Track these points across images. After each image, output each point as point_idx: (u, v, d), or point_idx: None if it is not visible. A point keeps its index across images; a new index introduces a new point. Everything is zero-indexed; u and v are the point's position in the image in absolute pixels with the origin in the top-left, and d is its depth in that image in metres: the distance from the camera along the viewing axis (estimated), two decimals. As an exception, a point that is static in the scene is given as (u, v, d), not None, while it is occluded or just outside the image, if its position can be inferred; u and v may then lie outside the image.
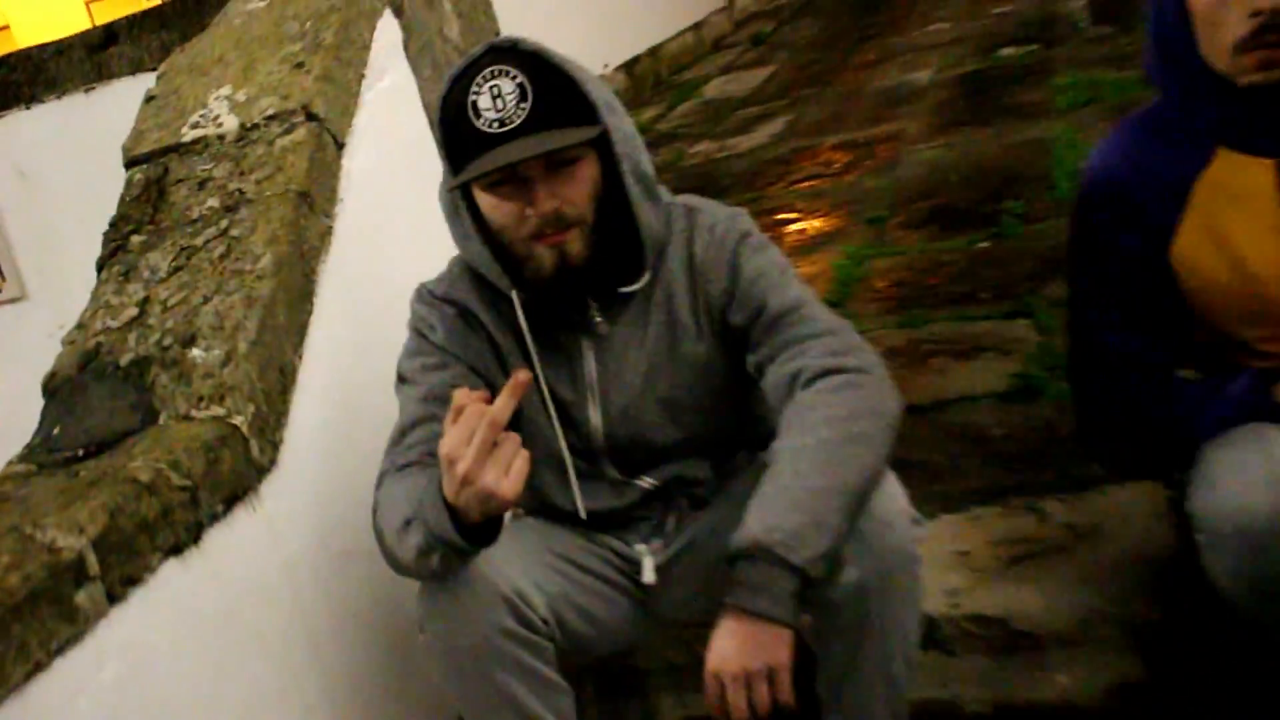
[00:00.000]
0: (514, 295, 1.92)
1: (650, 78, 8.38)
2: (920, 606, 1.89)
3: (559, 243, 1.84)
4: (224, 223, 2.23)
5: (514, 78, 1.78)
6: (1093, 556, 2.35)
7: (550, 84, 1.81)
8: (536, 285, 1.89)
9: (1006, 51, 6.61)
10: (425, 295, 2.03)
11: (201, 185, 2.32)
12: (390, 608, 2.18)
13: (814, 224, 4.67)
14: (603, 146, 1.87)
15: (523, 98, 1.77)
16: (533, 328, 1.95)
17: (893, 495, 1.82)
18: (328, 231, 2.30)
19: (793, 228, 4.68)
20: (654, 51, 8.65)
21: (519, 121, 1.77)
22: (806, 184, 5.21)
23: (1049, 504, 2.53)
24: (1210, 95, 1.86)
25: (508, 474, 1.58)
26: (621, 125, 1.89)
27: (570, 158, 1.83)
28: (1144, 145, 1.95)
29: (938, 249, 4.08)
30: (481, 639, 1.80)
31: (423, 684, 2.03)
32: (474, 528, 1.66)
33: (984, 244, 4.01)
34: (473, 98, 1.79)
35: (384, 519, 1.81)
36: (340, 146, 2.40)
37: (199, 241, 2.22)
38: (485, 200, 1.86)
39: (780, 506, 1.71)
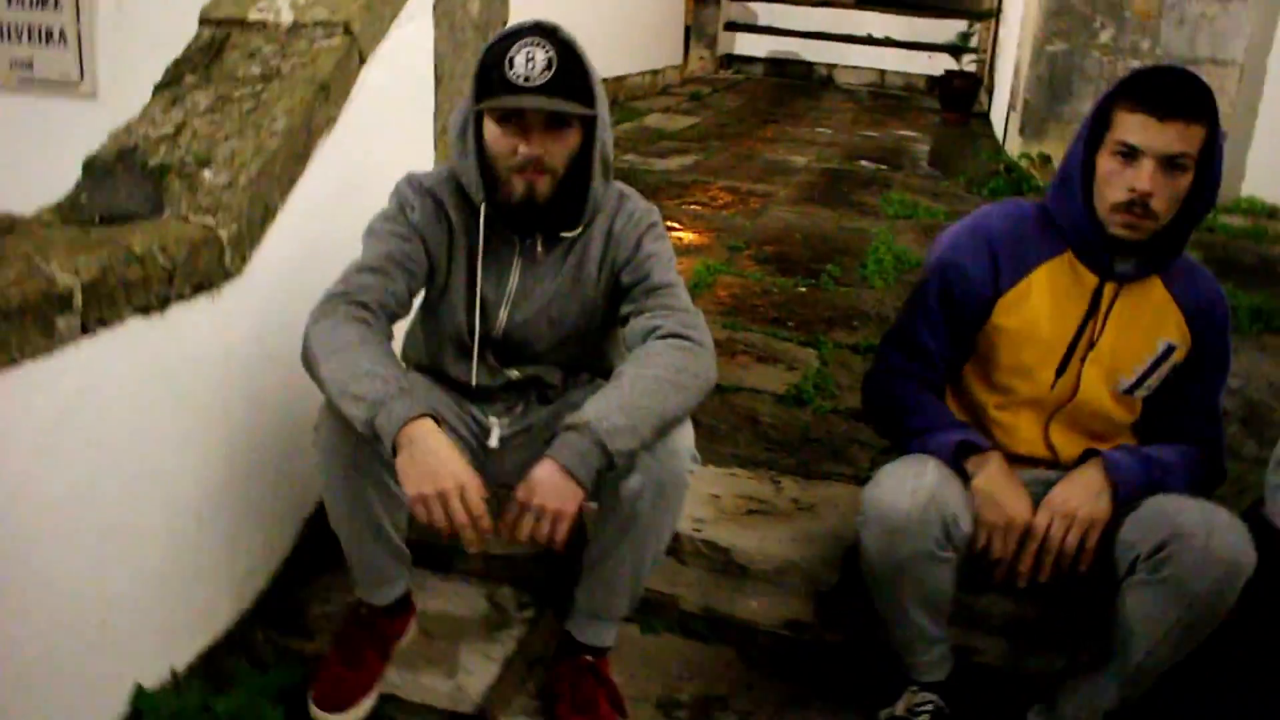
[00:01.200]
0: (483, 207, 1.89)
1: (610, 96, 8.26)
2: (676, 522, 1.90)
3: (533, 180, 1.82)
4: (259, 88, 2.13)
5: (547, 51, 1.76)
6: (804, 526, 2.37)
7: (570, 67, 1.79)
8: (504, 206, 1.87)
9: (863, 163, 6.64)
10: (414, 181, 1.96)
11: (251, 55, 2.21)
12: (296, 406, 2.10)
13: (689, 236, 4.65)
14: (588, 127, 1.85)
15: (549, 67, 1.76)
16: (486, 237, 1.91)
17: (685, 435, 1.83)
18: (333, 119, 2.21)
19: (673, 234, 4.62)
20: (619, 79, 8.56)
21: (541, 83, 1.75)
22: (693, 207, 5.17)
23: (786, 481, 2.55)
24: (1083, 219, 1.87)
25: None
26: (605, 117, 1.87)
27: (566, 123, 1.81)
28: (1003, 236, 1.95)
29: (770, 282, 4.07)
30: (354, 450, 1.76)
31: (303, 471, 1.97)
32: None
33: (803, 289, 4.01)
34: (512, 54, 1.76)
35: (326, 350, 1.73)
36: (363, 62, 2.31)
37: (235, 94, 2.11)
38: (492, 129, 1.82)
39: (612, 406, 1.70)
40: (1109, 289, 1.90)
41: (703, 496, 2.41)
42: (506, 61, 1.77)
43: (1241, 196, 5.82)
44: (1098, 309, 1.91)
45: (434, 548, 2.24)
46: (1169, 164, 1.76)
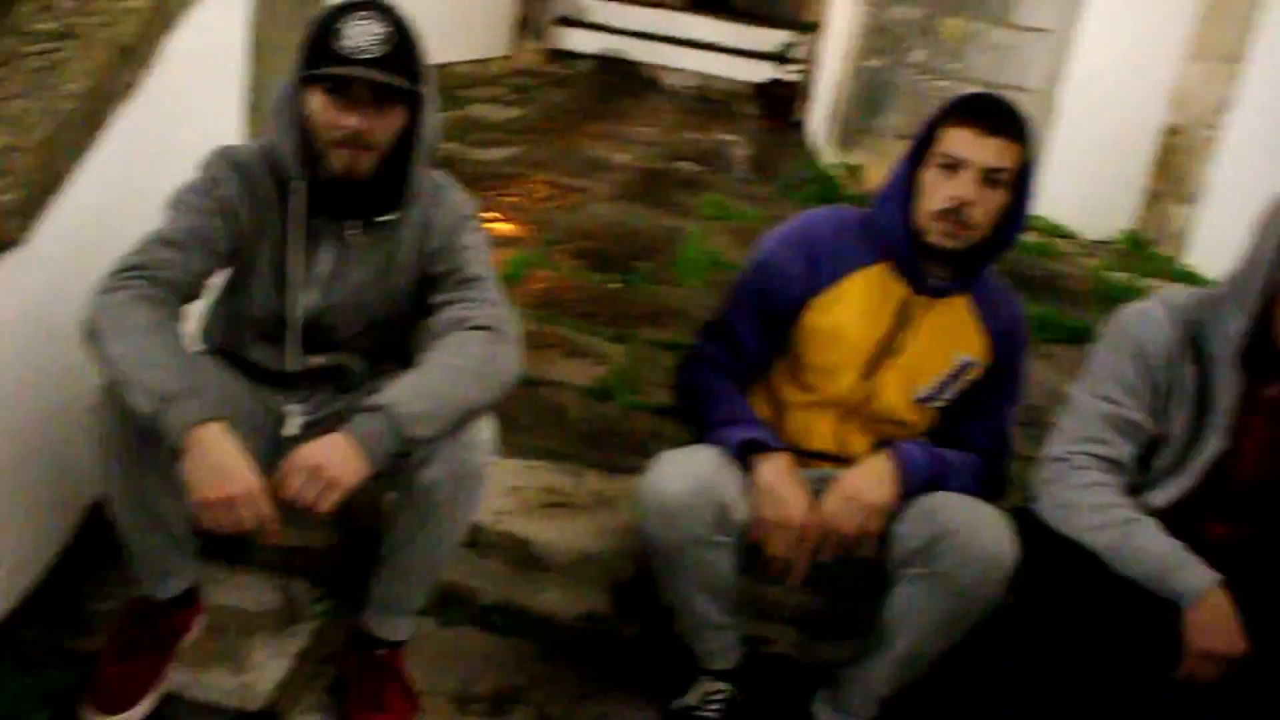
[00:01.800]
0: (299, 184, 1.84)
1: (437, 83, 8.15)
2: (473, 514, 1.90)
3: (354, 156, 1.79)
4: (53, 46, 2.03)
5: (384, 25, 1.74)
6: (604, 519, 2.40)
7: (403, 44, 1.76)
8: (320, 185, 1.83)
9: (682, 164, 6.73)
10: (226, 155, 1.88)
11: (46, 9, 2.10)
12: (77, 386, 2.00)
13: (505, 228, 4.62)
14: (414, 109, 1.82)
15: (383, 42, 1.73)
16: (299, 216, 1.86)
17: (485, 428, 1.83)
18: (134, 85, 2.11)
19: (491, 226, 4.58)
20: (446, 67, 8.44)
21: (372, 57, 1.72)
22: (512, 198, 5.15)
23: (589, 474, 2.57)
24: (902, 230, 1.95)
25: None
26: (434, 100, 1.85)
27: (394, 100, 1.78)
28: (823, 240, 2.02)
29: (584, 277, 4.09)
30: (134, 435, 1.68)
31: (84, 457, 1.87)
32: None
33: (615, 285, 4.04)
34: (345, 25, 1.73)
35: (114, 329, 1.65)
36: (169, 27, 2.22)
37: (26, 51, 2.00)
38: (316, 100, 1.77)
39: (413, 392, 1.70)
40: (918, 301, 2.00)
41: (504, 488, 2.42)
42: (336, 32, 1.73)
43: (1033, 215, 6.16)
44: (905, 319, 2.00)
45: (224, 538, 2.16)
46: (988, 177, 1.86)
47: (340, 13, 1.76)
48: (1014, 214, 1.92)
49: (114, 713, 1.85)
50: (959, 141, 1.86)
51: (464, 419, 1.75)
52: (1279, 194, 1.82)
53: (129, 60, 2.08)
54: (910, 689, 2.00)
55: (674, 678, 2.09)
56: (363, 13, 1.75)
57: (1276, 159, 4.89)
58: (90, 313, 1.67)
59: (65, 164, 1.95)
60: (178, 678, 1.97)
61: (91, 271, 1.75)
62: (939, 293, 2.00)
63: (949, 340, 2.03)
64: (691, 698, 2.05)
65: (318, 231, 1.90)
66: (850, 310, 2.00)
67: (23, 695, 1.85)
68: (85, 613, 2.09)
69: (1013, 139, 1.86)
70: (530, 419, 2.81)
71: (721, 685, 2.04)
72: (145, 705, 1.89)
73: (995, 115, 1.87)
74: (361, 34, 1.73)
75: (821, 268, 2.00)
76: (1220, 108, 5.72)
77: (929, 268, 1.97)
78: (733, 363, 2.05)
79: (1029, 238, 5.81)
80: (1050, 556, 1.89)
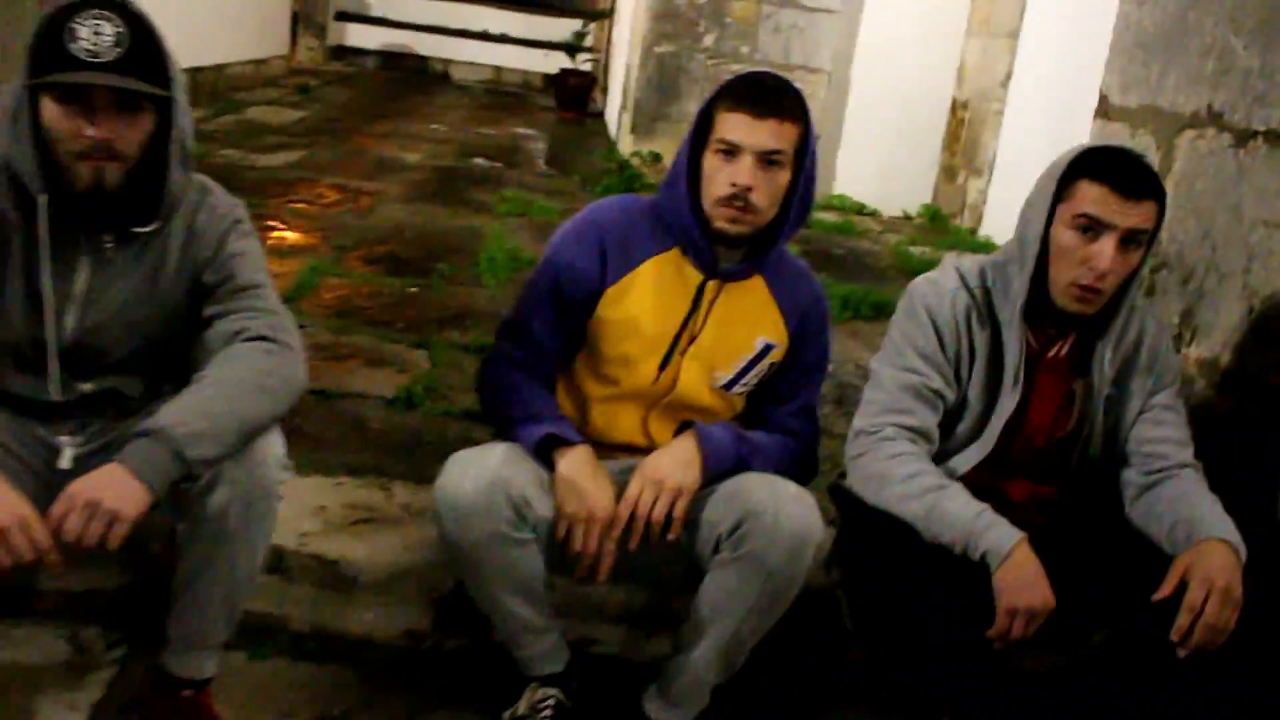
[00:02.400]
0: (42, 199, 1.75)
1: (209, 86, 7.88)
2: (271, 536, 1.86)
3: (100, 167, 1.72)
4: None
5: (116, 25, 1.66)
6: (417, 532, 2.38)
7: (143, 44, 1.69)
8: (68, 197, 1.74)
9: (478, 161, 6.72)
10: None
11: None
12: None
13: (293, 236, 4.53)
14: (164, 113, 1.76)
15: (118, 43, 1.66)
16: (47, 233, 1.77)
17: (274, 443, 1.80)
18: None
19: (276, 234, 4.51)
20: (220, 68, 8.18)
21: (109, 59, 1.65)
22: (299, 205, 5.05)
23: (397, 487, 2.55)
24: (689, 216, 1.99)
25: None
26: (183, 102, 1.78)
27: (138, 105, 1.71)
28: (613, 230, 2.05)
29: (379, 283, 4.06)
30: None
31: None
32: None
33: (414, 289, 4.02)
34: (74, 26, 1.65)
35: None
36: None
37: None
38: (52, 110, 1.69)
39: (191, 411, 1.66)
40: (712, 286, 2.05)
41: (308, 508, 2.37)
42: (68, 33, 1.65)
43: (833, 194, 6.42)
44: (700, 305, 2.05)
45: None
46: (766, 160, 1.92)
47: (69, 12, 1.67)
48: (800, 191, 2.00)
49: None
50: (734, 127, 1.92)
51: (247, 435, 1.71)
52: (1053, 161, 1.96)
53: None
54: (743, 673, 2.05)
55: (503, 688, 2.09)
56: (94, 11, 1.67)
57: (1055, 128, 5.22)
58: None
59: None
60: (-45, 749, 1.86)
61: None
62: (732, 276, 2.05)
63: (747, 324, 2.09)
64: (521, 706, 2.04)
65: (70, 249, 1.82)
66: (644, 299, 2.04)
67: None
68: None
69: (787, 118, 1.93)
70: (331, 434, 2.77)
71: (551, 690, 2.04)
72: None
73: (767, 97, 1.93)
74: (95, 35, 1.66)
75: (612, 258, 2.04)
76: (1003, 81, 6.07)
77: (720, 252, 2.03)
78: (532, 360, 2.06)
79: (830, 217, 6.05)
80: (867, 529, 1.97)
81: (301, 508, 2.34)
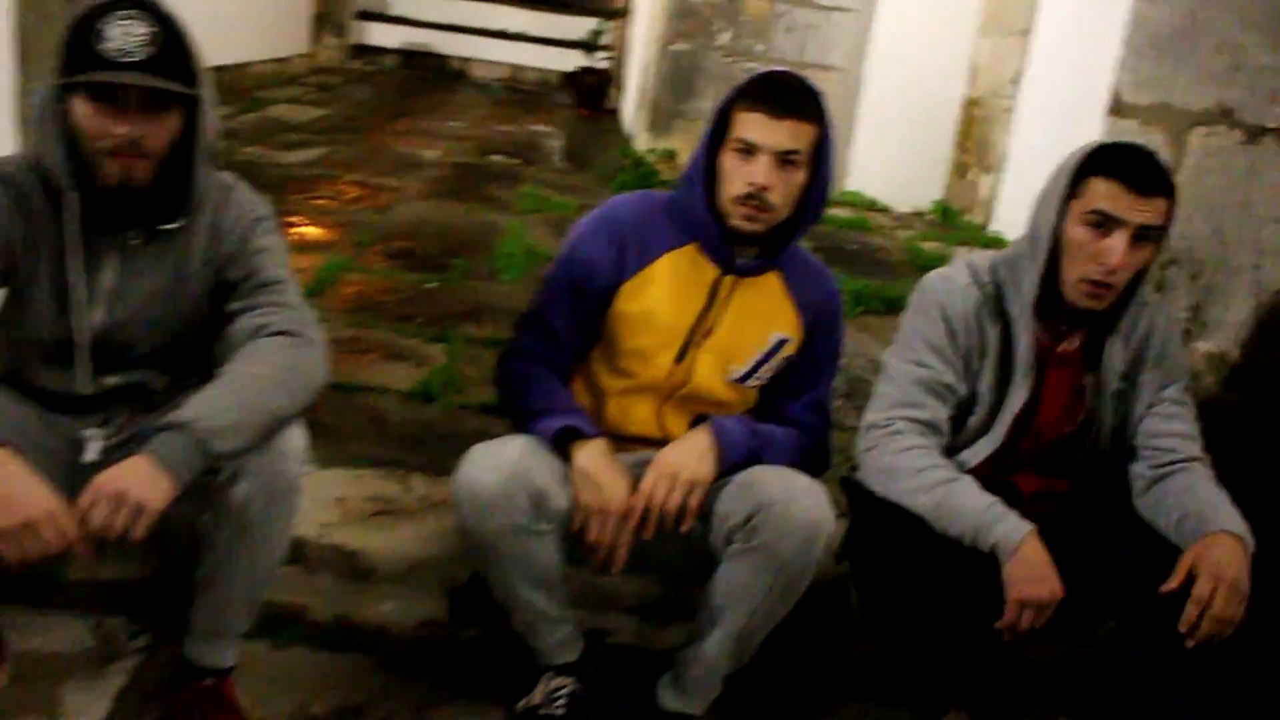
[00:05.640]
0: (71, 197, 1.76)
1: (231, 85, 7.90)
2: (291, 527, 1.86)
3: (129, 165, 1.72)
4: None
5: (147, 24, 1.67)
6: (434, 524, 2.38)
7: (172, 43, 1.70)
8: (97, 195, 1.75)
9: (496, 157, 6.72)
10: None
11: None
12: None
13: (314, 232, 4.54)
14: (190, 111, 1.76)
15: (149, 43, 1.66)
16: (77, 230, 1.78)
17: (296, 436, 1.80)
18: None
19: (296, 230, 4.51)
20: (242, 66, 8.21)
21: (139, 59, 1.65)
22: (320, 201, 5.06)
23: (415, 479, 2.55)
24: (706, 213, 1.99)
25: None
26: (210, 100, 1.78)
27: (167, 104, 1.72)
28: (630, 225, 2.04)
29: (398, 278, 4.06)
30: None
31: None
32: None
33: (432, 285, 4.02)
34: (106, 25, 1.65)
35: None
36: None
37: None
38: (82, 108, 1.69)
39: (215, 405, 1.66)
40: (728, 281, 2.04)
41: (328, 500, 2.37)
42: (98, 33, 1.66)
43: (846, 190, 6.40)
44: (715, 299, 2.04)
45: (26, 579, 2.06)
46: (783, 159, 1.91)
47: (100, 12, 1.68)
48: (816, 189, 1.99)
49: None
50: (751, 126, 1.91)
51: (271, 429, 1.72)
52: (1065, 157, 1.94)
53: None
54: (755, 663, 2.05)
55: (518, 678, 2.09)
56: (125, 11, 1.68)
57: (1065, 126, 5.18)
58: None
59: None
60: (-17, 734, 1.87)
61: None
62: (748, 271, 2.05)
63: (762, 319, 2.08)
64: (536, 696, 2.05)
65: (98, 245, 1.82)
66: (661, 293, 2.03)
67: None
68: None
69: (805, 118, 1.92)
70: (351, 427, 2.77)
71: (566, 680, 2.04)
72: (-53, 770, 1.79)
73: (785, 96, 1.92)
74: (125, 35, 1.66)
75: (629, 253, 2.03)
76: (1014, 79, 6.04)
77: (736, 248, 2.02)
78: (550, 353, 2.06)
79: (843, 213, 6.02)
80: (878, 522, 1.97)
81: (321, 499, 2.35)
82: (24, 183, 1.79)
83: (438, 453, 2.68)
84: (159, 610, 2.17)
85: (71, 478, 1.83)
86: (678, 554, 1.98)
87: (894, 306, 4.05)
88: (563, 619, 2.02)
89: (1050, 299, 1.95)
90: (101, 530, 1.57)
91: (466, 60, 11.38)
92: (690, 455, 1.92)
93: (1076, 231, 1.89)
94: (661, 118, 6.53)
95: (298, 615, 2.22)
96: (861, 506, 2.04)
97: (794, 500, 1.85)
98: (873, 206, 6.39)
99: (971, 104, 6.45)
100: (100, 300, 1.84)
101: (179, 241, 1.87)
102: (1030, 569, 1.81)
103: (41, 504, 1.53)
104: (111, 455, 1.87)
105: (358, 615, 2.24)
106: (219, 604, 1.88)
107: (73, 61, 1.68)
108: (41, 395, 1.89)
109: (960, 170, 6.54)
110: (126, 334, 1.88)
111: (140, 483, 1.58)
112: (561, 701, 2.03)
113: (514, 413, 2.04)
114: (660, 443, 2.02)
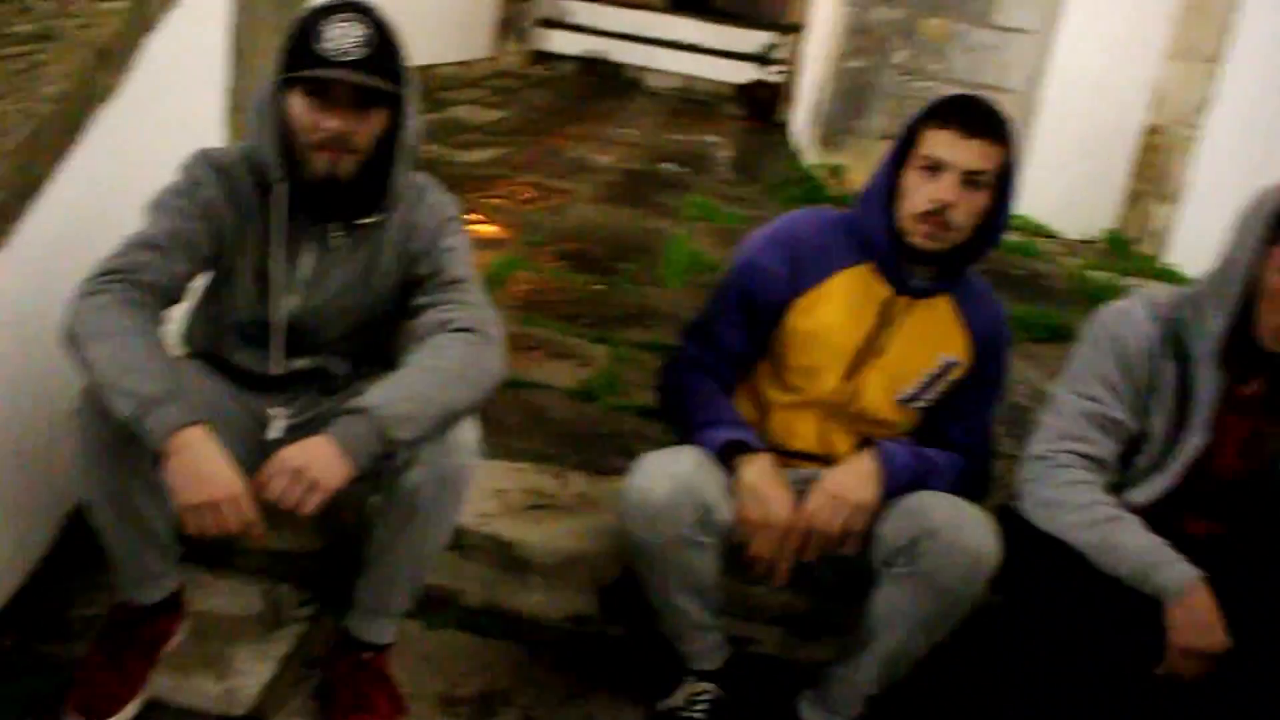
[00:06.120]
0: (280, 187, 1.83)
1: (419, 85, 8.16)
2: (457, 516, 1.90)
3: (336, 159, 1.78)
4: (32, 48, 2.01)
5: (365, 27, 1.74)
6: (588, 520, 2.39)
7: (384, 46, 1.77)
8: (303, 187, 1.82)
9: (666, 165, 6.74)
10: (208, 157, 1.87)
11: (24, 11, 2.09)
12: (59, 394, 1.98)
13: (488, 229, 4.62)
14: (396, 111, 1.82)
15: (364, 44, 1.73)
16: (281, 220, 1.86)
17: (470, 430, 1.84)
18: (113, 88, 2.10)
19: (472, 227, 4.58)
20: (428, 69, 8.46)
21: (354, 59, 1.72)
22: (495, 200, 5.15)
23: (572, 476, 2.57)
24: (884, 232, 1.96)
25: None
26: (415, 102, 1.85)
27: (375, 102, 1.78)
28: (806, 241, 2.03)
29: (567, 279, 4.10)
30: (114, 437, 1.66)
31: (66, 464, 1.85)
32: None
33: (599, 287, 4.05)
34: (326, 26, 1.73)
35: (96, 332, 1.63)
36: (150, 29, 2.21)
37: (4, 53, 1.99)
38: (298, 103, 1.77)
39: (397, 394, 1.70)
40: (901, 302, 2.01)
41: (488, 490, 2.41)
42: (320, 34, 1.73)
43: (1016, 215, 6.20)
44: (887, 320, 2.01)
45: (207, 543, 2.15)
46: (969, 179, 1.87)
47: (321, 14, 1.75)
48: (996, 214, 1.94)
49: (96, 719, 1.84)
50: (940, 144, 1.88)
51: (447, 421, 1.75)
52: (1257, 192, 1.84)
53: (108, 62, 2.07)
54: (897, 687, 2.01)
55: (660, 679, 2.09)
56: (343, 14, 1.75)
57: (1254, 158, 4.93)
58: (70, 316, 1.66)
59: (44, 167, 1.94)
60: (161, 684, 1.95)
61: (72, 275, 1.74)
62: (921, 293, 2.01)
63: (932, 341, 2.04)
64: (678, 698, 2.05)
65: (300, 234, 1.89)
66: (833, 311, 2.01)
67: (3, 703, 1.83)
68: (67, 620, 2.08)
69: (994, 141, 1.88)
70: (514, 421, 2.81)
71: (707, 686, 2.04)
72: (128, 712, 1.88)
73: (976, 117, 1.88)
74: (342, 36, 1.73)
75: (804, 269, 2.01)
76: (1199, 107, 5.76)
77: (912, 269, 1.98)
78: (716, 364, 2.06)
79: (1011, 237, 5.83)
80: (1035, 555, 1.90)
81: (482, 489, 2.38)
82: (236, 172, 1.86)
83: (595, 451, 2.70)
84: (325, 582, 2.24)
85: (254, 452, 1.91)
86: (833, 571, 1.96)
87: (1058, 334, 3.92)
88: (712, 627, 2.01)
89: (1235, 342, 1.86)
90: (277, 501, 1.63)
91: (641, 69, 11.49)
92: (856, 479, 1.89)
93: (1278, 280, 1.78)
94: (832, 133, 6.46)
95: (452, 599, 2.27)
96: (1019, 538, 1.97)
97: (962, 529, 1.81)
98: (1041, 231, 6.19)
99: (1152, 131, 6.18)
100: (297, 287, 1.91)
101: (374, 236, 1.93)
102: (1196, 616, 1.72)
103: (228, 486, 1.59)
104: (294, 434, 1.94)
105: (509, 603, 2.28)
106: (383, 583, 1.93)
107: (292, 59, 1.76)
108: (234, 373, 1.97)
109: (1134, 199, 6.28)
110: (318, 320, 1.94)
111: (320, 461, 1.63)
112: (702, 706, 2.03)
113: (677, 421, 2.04)
114: (823, 459, 2.00)
